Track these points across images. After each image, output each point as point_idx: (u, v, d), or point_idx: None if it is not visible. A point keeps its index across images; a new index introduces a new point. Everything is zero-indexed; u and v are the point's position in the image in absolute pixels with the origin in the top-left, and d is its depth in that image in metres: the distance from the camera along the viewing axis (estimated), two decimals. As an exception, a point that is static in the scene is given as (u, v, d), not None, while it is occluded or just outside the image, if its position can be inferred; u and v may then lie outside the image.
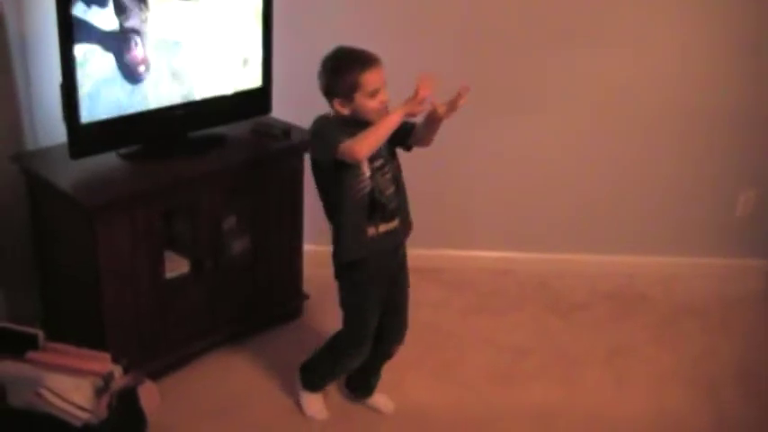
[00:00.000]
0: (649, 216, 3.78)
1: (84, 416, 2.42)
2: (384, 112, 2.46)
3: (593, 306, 3.61)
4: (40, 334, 2.67)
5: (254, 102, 3.13)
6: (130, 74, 2.74)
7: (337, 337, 2.78)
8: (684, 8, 3.45)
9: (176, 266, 2.94)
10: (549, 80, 3.54)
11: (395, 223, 2.61)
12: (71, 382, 2.45)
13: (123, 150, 2.87)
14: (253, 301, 3.20)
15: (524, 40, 3.48)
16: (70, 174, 2.73)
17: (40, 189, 2.85)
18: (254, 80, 3.10)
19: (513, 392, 3.05)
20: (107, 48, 2.64)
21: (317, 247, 3.52)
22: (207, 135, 3.04)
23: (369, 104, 2.45)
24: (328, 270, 2.72)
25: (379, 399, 2.95)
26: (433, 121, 2.56)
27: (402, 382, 3.04)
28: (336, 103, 2.48)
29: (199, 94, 2.96)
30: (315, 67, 3.37)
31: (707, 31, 3.49)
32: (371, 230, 2.56)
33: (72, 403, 2.43)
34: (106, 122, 2.72)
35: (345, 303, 2.71)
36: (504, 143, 3.63)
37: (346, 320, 2.72)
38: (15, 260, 3.04)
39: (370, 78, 2.44)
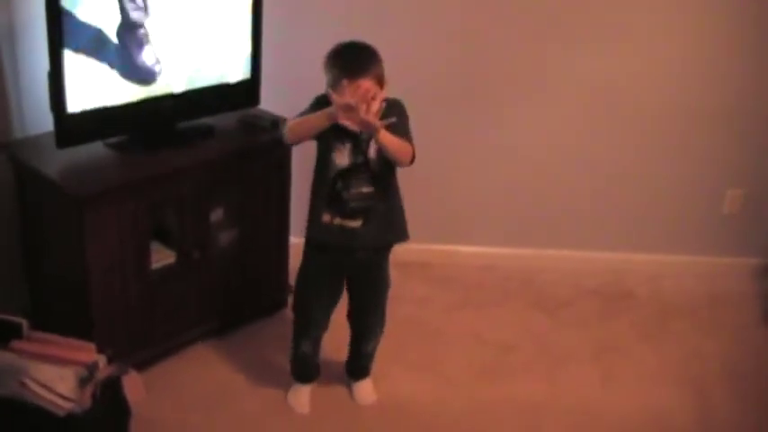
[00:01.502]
0: (636, 213, 3.78)
1: (68, 405, 2.42)
2: (359, 118, 2.40)
3: (579, 303, 3.60)
4: (25, 323, 2.66)
5: (242, 93, 3.12)
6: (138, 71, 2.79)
7: None
8: (675, 7, 3.45)
9: (163, 257, 2.93)
10: (535, 76, 3.53)
11: (355, 223, 2.60)
12: (55, 372, 2.44)
13: (111, 140, 2.86)
14: (239, 293, 3.19)
15: (516, 36, 3.46)
16: (58, 163, 2.73)
17: (27, 178, 2.84)
18: (242, 72, 3.09)
19: (496, 388, 3.05)
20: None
21: (303, 240, 3.52)
22: (195, 126, 3.03)
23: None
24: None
25: (360, 390, 2.96)
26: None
27: (385, 376, 3.04)
28: (327, 84, 2.51)
29: (187, 86, 2.95)
30: (303, 59, 3.38)
31: (695, 31, 3.49)
32: (326, 217, 2.60)
33: (56, 393, 2.43)
34: (94, 112, 2.71)
35: (296, 280, 2.80)
36: (491, 139, 3.63)
37: (293, 291, 2.84)
38: (2, 251, 3.02)
39: (345, 88, 2.42)
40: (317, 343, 2.86)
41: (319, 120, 2.47)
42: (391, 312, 3.40)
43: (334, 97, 2.41)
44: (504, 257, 3.82)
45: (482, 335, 3.35)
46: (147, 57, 2.79)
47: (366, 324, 2.87)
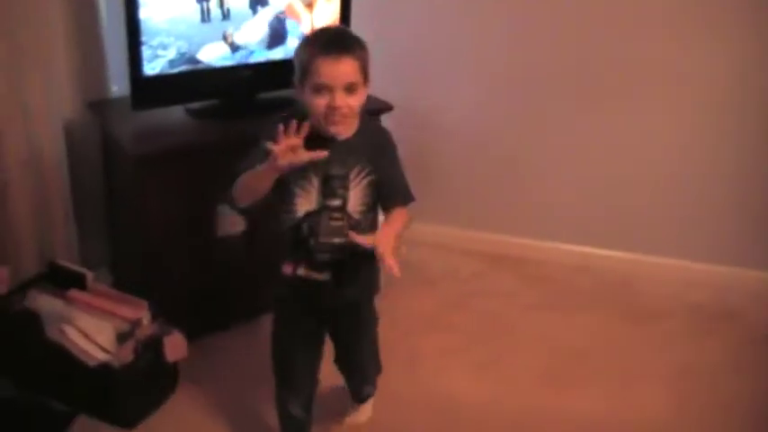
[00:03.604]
0: (751, 225, 3.41)
1: (102, 356, 2.51)
2: (339, 119, 2.01)
3: (673, 317, 3.32)
4: (89, 275, 2.79)
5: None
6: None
7: None
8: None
9: (230, 226, 2.92)
10: (642, 72, 3.29)
11: (322, 276, 2.15)
12: (94, 323, 2.54)
13: (192, 106, 2.92)
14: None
15: (624, 29, 3.26)
16: (133, 124, 2.81)
17: (107, 136, 2.96)
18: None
19: (557, 396, 2.86)
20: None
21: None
22: (275, 98, 3.04)
23: (311, 100, 2.00)
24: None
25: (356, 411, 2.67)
26: None
27: (443, 369, 2.95)
28: (294, 84, 2.08)
29: (269, 57, 2.97)
30: (390, 39, 3.38)
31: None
32: (287, 267, 2.17)
33: (96, 343, 2.53)
34: (170, 77, 2.77)
35: (271, 338, 2.40)
36: (596, 134, 3.43)
37: (271, 357, 2.40)
38: (92, 205, 3.15)
39: (321, 68, 1.96)
40: (308, 404, 2.39)
41: (263, 176, 2.01)
42: (469, 305, 3.36)
43: (268, 145, 1.94)
44: (604, 259, 3.60)
45: (558, 339, 3.17)
46: (228, 25, 2.83)
47: (358, 365, 2.49)
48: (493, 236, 3.69)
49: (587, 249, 3.62)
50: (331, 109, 1.98)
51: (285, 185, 2.07)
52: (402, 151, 2.22)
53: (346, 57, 1.97)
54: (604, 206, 3.54)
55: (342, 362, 2.49)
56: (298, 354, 2.32)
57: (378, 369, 2.55)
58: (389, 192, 2.14)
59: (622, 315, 3.33)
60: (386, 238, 1.99)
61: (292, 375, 2.34)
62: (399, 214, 2.13)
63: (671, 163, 3.41)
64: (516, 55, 3.39)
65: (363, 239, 2.00)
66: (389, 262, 1.91)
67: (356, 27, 3.05)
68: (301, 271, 2.15)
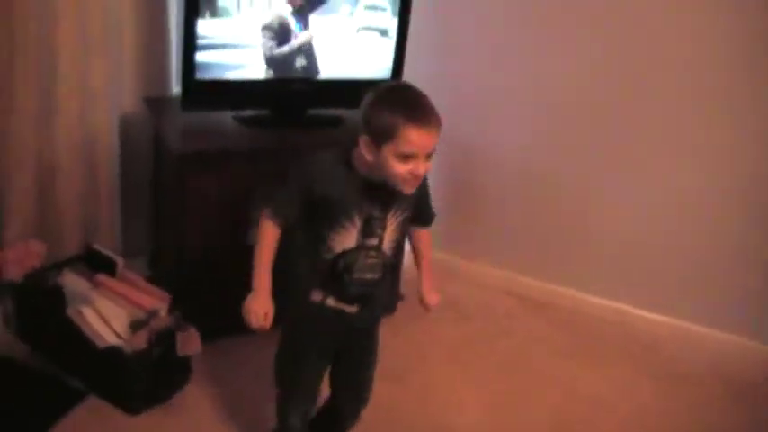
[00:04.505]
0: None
1: (113, 340, 2.59)
2: (415, 183, 2.00)
3: (696, 382, 3.23)
4: (120, 262, 2.89)
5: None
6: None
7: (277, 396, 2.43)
8: None
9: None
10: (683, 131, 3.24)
11: (352, 308, 2.19)
12: (110, 308, 2.63)
13: (240, 114, 3.01)
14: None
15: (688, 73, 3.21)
16: (182, 123, 2.92)
17: (157, 132, 3.07)
18: (383, 72, 3.12)
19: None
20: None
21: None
22: (324, 115, 3.10)
23: (394, 166, 1.95)
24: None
25: None
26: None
27: (455, 402, 2.95)
28: (363, 140, 1.99)
29: (325, 75, 3.03)
30: (447, 66, 3.44)
31: None
32: (317, 295, 2.17)
33: (110, 328, 2.61)
34: (221, 83, 2.87)
35: (278, 349, 2.37)
36: (650, 191, 3.37)
37: (275, 368, 2.37)
38: (139, 197, 3.28)
39: (411, 135, 1.91)
40: (306, 416, 2.40)
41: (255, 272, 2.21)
42: (496, 344, 3.36)
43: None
44: (639, 318, 3.52)
45: (577, 387, 3.11)
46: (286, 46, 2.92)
47: (359, 383, 2.40)
48: (532, 280, 3.68)
49: (624, 306, 3.55)
50: (413, 176, 1.97)
51: (329, 223, 2.08)
52: (446, 189, 2.29)
53: (436, 127, 1.96)
54: (646, 265, 3.47)
55: (342, 379, 2.41)
56: (306, 371, 2.32)
57: (371, 390, 2.48)
58: (421, 214, 2.28)
59: (645, 373, 3.25)
60: (433, 292, 2.30)
61: (298, 390, 2.35)
62: (426, 245, 2.34)
63: (722, 223, 3.31)
64: (567, 100, 3.40)
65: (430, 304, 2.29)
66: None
67: (410, 61, 3.13)
68: (331, 302, 2.17)
